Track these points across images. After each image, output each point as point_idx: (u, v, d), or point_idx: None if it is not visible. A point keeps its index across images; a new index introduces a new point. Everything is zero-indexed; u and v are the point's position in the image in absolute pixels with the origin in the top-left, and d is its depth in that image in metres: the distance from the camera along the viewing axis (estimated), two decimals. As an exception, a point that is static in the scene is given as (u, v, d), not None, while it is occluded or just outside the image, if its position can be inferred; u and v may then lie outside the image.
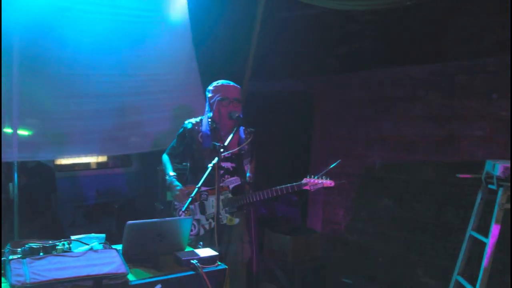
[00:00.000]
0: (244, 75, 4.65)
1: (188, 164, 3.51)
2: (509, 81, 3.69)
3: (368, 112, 4.79)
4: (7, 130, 3.63)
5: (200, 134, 3.36)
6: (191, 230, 3.31)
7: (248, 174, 3.50)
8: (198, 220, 3.34)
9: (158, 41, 4.35)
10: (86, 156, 6.14)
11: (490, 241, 3.21)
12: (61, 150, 4.06)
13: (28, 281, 1.96)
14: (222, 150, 2.80)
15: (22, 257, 2.18)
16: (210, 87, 3.41)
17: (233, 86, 3.37)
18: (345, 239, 5.02)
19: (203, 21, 4.84)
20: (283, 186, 3.19)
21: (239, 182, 3.36)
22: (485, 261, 3.21)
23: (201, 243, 2.75)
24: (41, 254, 2.28)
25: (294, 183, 3.18)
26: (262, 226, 5.12)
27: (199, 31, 4.74)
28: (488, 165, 3.40)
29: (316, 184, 3.17)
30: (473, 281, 3.29)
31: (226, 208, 3.33)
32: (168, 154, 3.58)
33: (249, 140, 3.33)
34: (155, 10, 4.33)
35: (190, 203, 3.22)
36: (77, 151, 4.35)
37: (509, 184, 3.14)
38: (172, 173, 3.44)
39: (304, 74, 5.48)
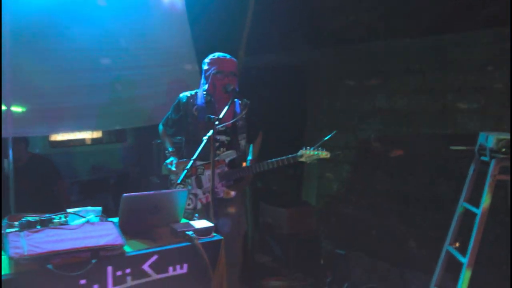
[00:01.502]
0: (239, 49, 4.62)
1: (184, 138, 3.53)
2: (506, 54, 3.69)
3: (362, 86, 4.78)
4: (1, 106, 3.62)
5: (195, 107, 3.35)
6: (188, 204, 3.34)
7: (249, 158, 3.51)
8: (195, 194, 3.37)
9: (152, 14, 4.32)
10: (80, 131, 6.15)
11: (481, 212, 3.26)
12: (56, 126, 4.05)
13: (26, 253, 1.98)
14: (216, 122, 2.80)
15: (20, 230, 2.20)
16: (206, 60, 3.39)
17: (229, 59, 3.35)
18: (339, 211, 5.08)
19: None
20: (279, 158, 3.21)
21: (235, 156, 3.38)
22: (475, 232, 3.26)
23: (196, 215, 2.79)
24: (38, 227, 2.30)
25: (290, 155, 3.20)
26: (257, 199, 5.17)
27: (194, 4, 4.69)
28: (481, 137, 3.42)
29: (311, 155, 3.18)
30: (464, 252, 3.35)
31: (223, 182, 3.35)
32: (163, 125, 3.62)
33: (244, 112, 3.32)
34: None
35: (186, 176, 3.26)
36: (72, 127, 4.35)
37: (501, 155, 3.17)
38: (170, 151, 3.48)
39: (299, 47, 5.45)
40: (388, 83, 4.55)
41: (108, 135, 6.66)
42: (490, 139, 3.22)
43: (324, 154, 3.18)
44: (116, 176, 5.99)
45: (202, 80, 3.42)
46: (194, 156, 2.81)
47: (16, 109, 3.71)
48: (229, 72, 3.28)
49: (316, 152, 3.17)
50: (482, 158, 3.40)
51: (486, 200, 3.24)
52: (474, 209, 3.39)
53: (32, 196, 4.33)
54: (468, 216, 3.58)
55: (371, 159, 4.74)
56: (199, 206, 3.35)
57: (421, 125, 4.29)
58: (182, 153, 3.50)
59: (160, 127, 3.68)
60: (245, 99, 3.44)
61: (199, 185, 3.37)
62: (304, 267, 4.79)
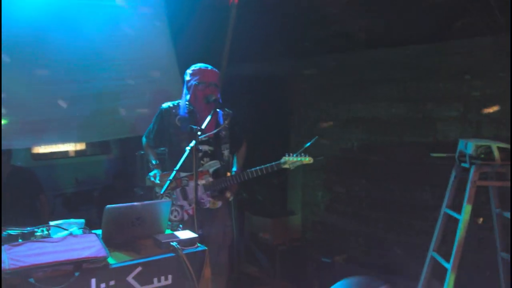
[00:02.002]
0: (221, 59, 4.64)
1: (167, 149, 3.52)
2: (483, 63, 3.78)
3: (345, 95, 4.84)
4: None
5: (178, 117, 3.35)
6: (175, 216, 3.33)
7: (234, 168, 3.51)
8: (181, 206, 3.35)
9: (133, 25, 4.30)
10: (63, 143, 6.09)
11: (464, 218, 3.30)
12: (38, 138, 4.01)
13: (7, 267, 1.96)
14: (199, 133, 2.80)
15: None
16: (188, 71, 3.40)
17: (210, 70, 3.36)
18: (324, 220, 5.10)
19: (179, 5, 4.79)
20: (263, 166, 3.22)
21: (218, 166, 3.38)
22: (458, 237, 3.30)
23: (180, 225, 2.77)
24: (20, 240, 2.28)
25: (273, 163, 3.22)
26: (242, 209, 5.16)
27: (175, 15, 4.70)
28: (461, 144, 3.48)
29: (294, 162, 3.21)
30: (447, 257, 3.39)
31: (208, 192, 3.35)
32: (146, 137, 3.60)
33: (226, 122, 3.33)
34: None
35: (170, 187, 3.25)
36: (55, 139, 4.31)
37: (480, 162, 3.23)
38: (154, 164, 3.46)
39: (281, 56, 5.49)
40: (369, 92, 4.60)
41: (91, 147, 6.61)
42: (470, 146, 3.28)
43: (307, 159, 3.21)
44: (100, 188, 5.93)
45: (184, 91, 3.43)
46: (177, 167, 2.80)
47: (-1, 121, 3.67)
48: (210, 83, 3.29)
49: (299, 158, 3.20)
50: (463, 164, 3.46)
51: (467, 206, 3.29)
52: (456, 215, 3.43)
53: (13, 209, 4.26)
54: (451, 222, 3.63)
55: (355, 168, 4.78)
56: (186, 217, 3.33)
57: (402, 133, 4.35)
58: (166, 165, 3.49)
59: (143, 139, 3.65)
60: (227, 109, 3.45)
61: (185, 196, 3.36)
62: (290, 276, 4.79)
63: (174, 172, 2.79)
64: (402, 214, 4.38)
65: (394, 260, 4.43)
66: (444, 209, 3.67)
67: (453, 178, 3.64)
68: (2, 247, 2.13)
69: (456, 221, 3.40)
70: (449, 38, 3.99)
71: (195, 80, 3.30)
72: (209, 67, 3.37)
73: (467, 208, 3.29)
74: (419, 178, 4.24)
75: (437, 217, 3.79)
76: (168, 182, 2.75)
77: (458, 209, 3.39)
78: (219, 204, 3.39)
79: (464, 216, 3.29)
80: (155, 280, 2.31)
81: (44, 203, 4.70)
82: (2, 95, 3.64)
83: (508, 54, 3.57)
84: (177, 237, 2.51)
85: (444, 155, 3.66)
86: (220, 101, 3.32)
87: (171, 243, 2.41)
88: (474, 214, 3.32)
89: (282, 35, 5.25)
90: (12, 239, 2.26)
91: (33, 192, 4.61)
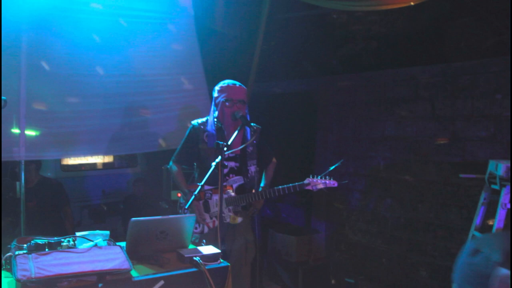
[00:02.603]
0: (249, 76, 4.68)
1: (195, 163, 3.54)
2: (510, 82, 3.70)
3: (372, 113, 4.80)
4: (15, 130, 3.68)
5: (206, 133, 3.38)
6: (195, 228, 3.34)
7: (262, 184, 3.51)
8: (200, 214, 3.36)
9: (164, 41, 4.40)
10: (92, 156, 6.21)
11: (493, 241, 3.20)
12: (68, 150, 4.09)
13: (33, 276, 2.00)
14: (225, 149, 2.82)
15: (28, 253, 2.22)
16: (217, 87, 3.43)
17: (238, 87, 3.38)
18: (349, 239, 5.03)
19: (208, 22, 4.87)
20: (286, 186, 3.20)
21: (242, 182, 3.38)
22: (488, 261, 3.20)
23: (204, 240, 2.78)
24: (47, 250, 2.32)
25: (297, 183, 3.19)
26: (266, 226, 5.14)
27: (205, 32, 4.78)
28: (491, 165, 3.40)
29: (318, 184, 3.16)
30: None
31: (230, 207, 3.35)
32: (176, 162, 3.51)
33: (253, 138, 3.35)
34: (160, 11, 4.38)
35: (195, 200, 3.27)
36: (84, 151, 4.39)
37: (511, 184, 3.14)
38: (188, 193, 3.36)
39: (308, 75, 5.51)
40: (397, 111, 4.56)
41: (119, 160, 6.72)
42: (500, 167, 3.20)
43: (332, 183, 3.16)
44: (126, 201, 6.01)
45: (212, 107, 3.46)
46: (202, 182, 2.83)
47: (30, 132, 3.77)
48: (238, 100, 3.31)
49: (323, 181, 3.16)
50: (493, 186, 3.37)
51: (497, 229, 3.20)
52: (485, 238, 3.33)
53: (38, 218, 4.37)
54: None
55: (380, 187, 4.71)
56: (206, 230, 3.35)
57: (430, 153, 4.28)
58: (194, 177, 3.51)
59: (173, 167, 3.52)
60: (255, 124, 3.47)
61: (206, 209, 3.37)
62: (313, 295, 4.73)
63: (198, 188, 2.82)
64: (429, 235, 4.29)
65: (419, 282, 4.33)
66: (473, 231, 3.58)
67: (483, 200, 3.55)
68: (30, 256, 2.17)
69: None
70: (480, 57, 3.93)
71: (222, 97, 3.33)
72: (237, 83, 3.39)
73: (497, 231, 3.19)
74: (446, 198, 4.16)
75: (463, 239, 3.69)
76: (193, 197, 2.77)
77: (488, 232, 3.30)
78: (239, 220, 3.39)
79: (494, 239, 3.20)
80: (177, 294, 2.32)
81: (68, 215, 4.78)
82: (35, 107, 3.75)
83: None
84: (200, 252, 2.51)
85: (474, 176, 3.58)
86: (248, 117, 3.34)
87: (194, 258, 2.42)
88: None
89: (309, 53, 5.27)
90: (39, 248, 2.30)
91: (59, 204, 4.70)
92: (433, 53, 4.20)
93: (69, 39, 3.86)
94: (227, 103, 3.31)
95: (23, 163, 3.90)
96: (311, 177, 3.17)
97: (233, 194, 3.35)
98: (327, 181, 3.16)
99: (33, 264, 2.09)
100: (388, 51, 4.55)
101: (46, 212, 4.54)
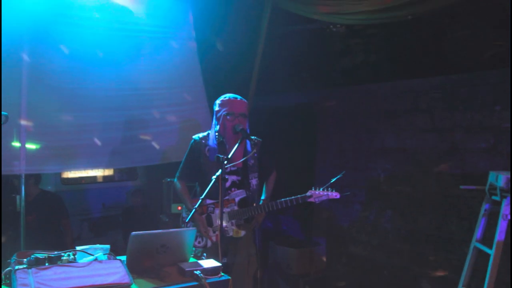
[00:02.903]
0: (249, 89, 4.70)
1: (198, 179, 3.53)
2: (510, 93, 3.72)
3: (372, 125, 4.82)
4: (15, 144, 3.69)
5: (207, 148, 3.38)
6: (199, 242, 3.33)
7: (262, 197, 3.51)
8: (204, 228, 3.36)
9: (164, 55, 4.43)
10: (93, 169, 6.20)
11: (495, 253, 3.20)
12: (68, 163, 4.09)
13: (33, 291, 1.99)
14: (225, 162, 2.83)
15: (28, 267, 2.21)
16: (218, 101, 3.44)
17: (240, 100, 3.38)
18: (349, 251, 5.01)
19: (208, 36, 4.91)
20: (288, 198, 3.20)
21: (245, 195, 3.38)
22: (489, 273, 3.19)
23: (205, 254, 2.77)
24: (47, 264, 2.31)
25: (299, 196, 3.18)
26: (267, 239, 5.12)
27: (205, 46, 4.81)
28: (491, 177, 3.40)
29: (321, 196, 3.14)
30: (478, 293, 3.28)
31: (233, 221, 3.35)
32: (180, 178, 3.49)
33: (254, 151, 3.35)
34: (162, 25, 4.42)
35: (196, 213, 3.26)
36: (84, 165, 4.38)
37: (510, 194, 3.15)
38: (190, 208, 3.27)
39: (308, 87, 5.54)
40: (397, 122, 4.57)
41: (119, 173, 6.72)
42: (501, 178, 3.20)
43: (334, 194, 3.14)
44: (126, 214, 6.00)
45: (214, 121, 3.46)
46: (202, 196, 2.84)
47: (30, 146, 3.77)
48: (239, 114, 3.32)
49: (325, 193, 3.16)
50: (493, 197, 3.37)
51: (499, 240, 3.19)
52: (487, 250, 3.33)
53: (38, 232, 4.36)
54: (482, 257, 3.52)
55: (381, 198, 4.71)
56: (209, 244, 3.34)
57: (430, 164, 4.28)
58: (196, 191, 3.50)
59: (177, 184, 3.50)
60: (256, 138, 3.47)
61: (209, 223, 3.37)
62: (314, 308, 4.70)
63: (199, 201, 2.81)
64: (430, 247, 4.27)
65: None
66: (474, 243, 3.57)
67: (484, 211, 3.55)
68: (30, 270, 2.17)
69: (486, 255, 3.30)
70: (479, 69, 3.96)
71: (224, 111, 3.34)
72: (238, 97, 3.40)
73: (498, 243, 3.19)
74: (446, 210, 4.15)
75: (465, 251, 3.68)
76: (194, 210, 2.77)
77: (489, 243, 3.29)
78: (242, 233, 3.37)
79: (495, 250, 3.19)
80: (178, 308, 2.31)
81: (68, 228, 4.76)
82: (35, 121, 3.76)
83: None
84: (200, 265, 2.51)
85: (475, 187, 3.58)
86: (248, 131, 3.35)
87: (195, 272, 2.41)
88: (506, 249, 3.21)
89: (309, 66, 5.30)
90: (39, 262, 2.30)
91: (58, 217, 4.69)
92: (432, 66, 4.23)
93: (70, 52, 3.88)
94: (228, 117, 3.31)
95: (23, 177, 3.90)
96: (313, 189, 3.16)
97: (236, 207, 3.35)
98: (329, 193, 3.14)
99: (33, 279, 2.08)
100: (387, 64, 4.58)
101: (46, 226, 4.53)
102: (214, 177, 2.81)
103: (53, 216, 4.63)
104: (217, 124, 3.40)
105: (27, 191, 4.37)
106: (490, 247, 3.25)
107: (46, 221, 4.55)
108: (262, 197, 3.50)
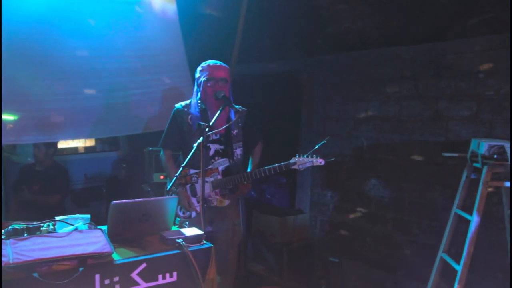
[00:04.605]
0: (232, 57, 4.62)
1: (182, 149, 3.49)
2: (498, 61, 3.71)
3: (356, 93, 4.79)
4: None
5: (190, 116, 3.33)
6: (183, 213, 3.32)
7: (248, 169, 3.47)
8: (189, 203, 3.34)
9: (144, 22, 4.30)
10: (74, 139, 6.12)
11: (475, 219, 3.25)
12: (47, 134, 4.00)
13: (11, 261, 1.96)
14: (207, 129, 2.78)
15: (6, 238, 2.18)
16: (198, 68, 3.38)
17: (219, 65, 3.32)
18: (333, 219, 5.06)
19: (190, 3, 4.79)
20: (272, 166, 3.17)
21: (228, 164, 3.35)
22: (469, 239, 3.25)
23: (187, 222, 2.76)
24: (25, 235, 2.28)
25: (283, 163, 3.15)
26: (250, 208, 5.14)
27: (187, 13, 4.69)
28: (473, 144, 3.42)
29: (305, 163, 3.09)
30: (457, 259, 3.34)
31: (217, 190, 3.33)
32: (164, 146, 3.45)
33: (236, 118, 3.29)
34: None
35: (180, 184, 3.24)
36: (65, 135, 4.31)
37: (492, 162, 3.17)
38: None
39: (292, 55, 5.46)
40: (380, 90, 4.55)
41: (101, 144, 6.64)
42: (482, 146, 3.22)
43: (319, 161, 3.10)
44: (108, 185, 5.95)
45: (195, 88, 3.41)
46: (184, 163, 2.80)
47: (8, 117, 3.68)
48: (219, 78, 3.26)
49: (309, 160, 3.13)
50: (475, 164, 3.40)
51: (479, 206, 3.24)
52: (467, 216, 3.38)
53: (36, 202, 4.37)
54: (462, 223, 3.58)
55: (364, 166, 4.73)
56: (194, 214, 3.32)
57: (413, 132, 4.29)
58: (180, 161, 3.46)
59: (162, 154, 3.46)
60: (242, 107, 3.42)
61: (193, 193, 3.34)
62: (297, 275, 4.76)
63: (180, 169, 2.78)
64: (412, 214, 4.33)
65: (403, 260, 4.38)
66: (455, 209, 3.62)
67: (465, 178, 3.59)
68: (8, 241, 2.13)
69: (467, 222, 3.35)
70: (463, 36, 3.93)
71: (204, 76, 3.28)
72: (218, 63, 3.34)
73: (478, 209, 3.23)
74: (429, 177, 4.19)
75: (447, 218, 3.74)
76: (174, 179, 2.73)
77: (470, 210, 3.34)
78: (226, 202, 3.36)
79: (475, 217, 3.24)
80: (160, 277, 2.31)
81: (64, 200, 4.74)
82: (13, 91, 3.65)
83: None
84: (183, 234, 2.50)
85: (456, 154, 3.61)
86: (231, 98, 3.29)
87: (177, 240, 2.40)
88: (485, 215, 3.26)
89: (294, 33, 5.22)
90: (18, 233, 2.26)
91: (61, 189, 4.65)
92: (418, 33, 4.18)
93: (47, 22, 3.74)
94: (208, 83, 3.26)
95: (1, 148, 3.82)
96: (297, 156, 3.12)
97: (219, 176, 3.33)
98: (314, 160, 3.10)
99: (11, 249, 2.05)
100: (373, 31, 4.52)
101: (48, 197, 4.50)
102: (195, 144, 2.77)
103: (56, 189, 4.58)
104: (199, 91, 3.35)
105: (40, 160, 4.48)
106: (470, 213, 3.30)
107: (49, 193, 4.52)
108: (248, 170, 3.47)
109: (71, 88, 3.98)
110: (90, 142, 6.53)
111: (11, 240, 2.14)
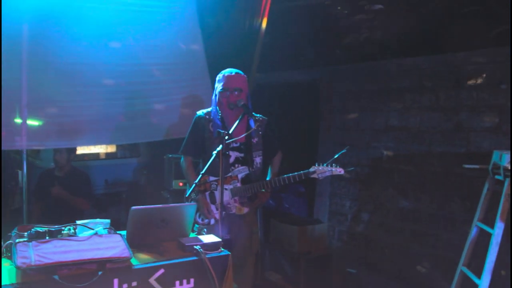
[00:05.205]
0: (252, 67, 4.65)
1: (202, 156, 3.51)
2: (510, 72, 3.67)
3: (375, 103, 4.77)
4: (17, 120, 3.68)
5: (211, 123, 3.37)
6: (202, 220, 3.34)
7: (268, 178, 3.48)
8: (208, 210, 3.36)
9: (166, 31, 4.37)
10: (96, 145, 6.22)
11: (496, 232, 3.19)
12: (70, 139, 4.08)
13: (33, 263, 2.00)
14: (226, 137, 2.81)
15: (28, 240, 2.22)
16: (217, 77, 3.43)
17: (235, 75, 3.34)
18: (351, 229, 5.03)
19: (210, 12, 4.84)
20: (291, 174, 3.18)
21: (248, 172, 3.37)
22: (491, 252, 3.19)
23: (205, 229, 2.78)
24: (47, 237, 2.32)
25: (302, 171, 3.15)
26: (268, 217, 5.14)
27: (207, 22, 4.75)
28: (495, 156, 3.37)
29: (324, 172, 3.10)
30: (478, 273, 3.28)
31: (236, 198, 3.34)
32: (184, 153, 3.47)
33: (256, 126, 3.31)
34: (163, 0, 4.35)
35: (200, 191, 3.27)
36: (87, 141, 4.40)
37: (515, 174, 3.12)
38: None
39: (312, 64, 5.47)
40: (401, 101, 4.52)
41: (121, 150, 6.73)
42: (504, 158, 3.17)
43: (338, 170, 3.10)
44: (129, 191, 6.01)
45: (213, 98, 3.45)
46: (203, 171, 2.83)
47: (32, 122, 3.77)
48: (234, 88, 3.28)
49: (329, 168, 3.12)
50: (496, 177, 3.35)
51: (501, 219, 3.18)
52: (488, 229, 3.32)
53: (62, 207, 4.37)
54: (483, 237, 3.52)
55: (383, 177, 4.69)
56: (212, 221, 3.34)
57: (434, 143, 4.25)
58: (198, 169, 3.49)
59: (183, 160, 3.49)
60: (262, 116, 3.45)
61: (213, 200, 3.36)
62: (314, 285, 4.72)
63: (200, 176, 2.80)
64: (431, 226, 4.27)
65: (421, 273, 4.32)
66: (476, 222, 3.56)
67: (486, 190, 3.53)
68: (30, 243, 2.17)
69: (487, 235, 3.29)
70: (484, 47, 3.88)
71: (220, 87, 3.32)
72: (234, 72, 3.35)
73: (500, 222, 3.18)
74: (448, 189, 4.13)
75: (466, 230, 3.68)
76: (193, 186, 2.76)
77: (491, 223, 3.28)
78: (245, 210, 3.38)
79: (497, 230, 3.18)
80: (177, 283, 2.32)
81: (85, 208, 4.74)
82: (37, 97, 3.74)
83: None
84: (201, 240, 2.51)
85: (478, 166, 3.56)
86: (250, 106, 3.32)
87: (195, 247, 2.42)
88: (508, 229, 3.20)
89: (313, 43, 5.23)
90: (40, 236, 2.31)
91: (84, 195, 4.63)
92: (438, 43, 4.16)
93: (70, 29, 3.83)
94: (223, 93, 3.30)
95: (25, 152, 3.91)
96: (316, 165, 3.13)
97: (238, 184, 3.34)
98: (333, 169, 3.10)
99: (33, 251, 2.09)
100: (392, 41, 4.51)
101: (68, 203, 4.48)
102: (215, 152, 2.79)
103: (81, 194, 4.58)
104: (216, 101, 3.39)
105: (60, 165, 4.47)
106: (492, 227, 3.24)
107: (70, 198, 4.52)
108: (268, 178, 3.48)
109: (93, 95, 4.08)
110: (111, 149, 6.63)
111: (34, 243, 2.18)
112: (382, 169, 4.70)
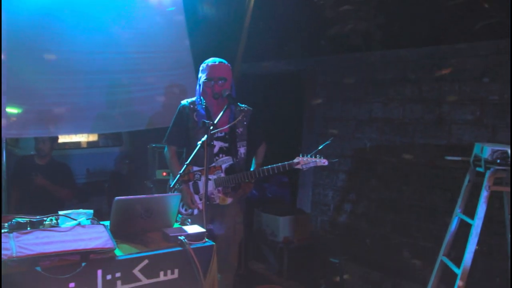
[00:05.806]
0: (236, 56, 4.62)
1: (186, 145, 3.49)
2: (502, 66, 3.70)
3: (359, 94, 4.79)
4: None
5: (195, 113, 3.35)
6: (185, 210, 3.33)
7: (252, 168, 3.47)
8: (192, 200, 3.35)
9: (150, 20, 4.31)
10: (76, 134, 6.12)
11: (476, 223, 3.25)
12: (50, 128, 4.00)
13: (14, 255, 1.97)
14: (211, 127, 2.79)
15: (9, 232, 2.18)
16: (200, 67, 3.40)
17: (218, 64, 3.31)
18: (334, 220, 5.07)
19: (195, 0, 4.79)
20: (275, 165, 3.18)
21: (232, 162, 3.36)
22: (470, 243, 3.25)
23: (189, 220, 2.77)
24: (28, 228, 2.29)
25: (286, 162, 3.15)
26: (252, 206, 5.15)
27: (192, 11, 4.69)
28: (476, 148, 3.42)
29: (308, 162, 3.10)
30: (458, 262, 3.34)
31: (219, 188, 3.34)
32: (169, 142, 3.45)
33: (241, 116, 3.32)
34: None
35: (184, 181, 3.25)
36: (68, 129, 4.31)
37: (495, 167, 3.17)
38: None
39: (296, 55, 5.46)
40: (384, 92, 4.55)
41: (104, 139, 6.65)
42: (486, 150, 3.22)
43: (322, 161, 3.10)
44: (111, 180, 5.95)
45: (197, 87, 3.43)
46: (187, 161, 2.80)
47: (11, 110, 3.68)
48: (218, 78, 3.26)
49: (313, 159, 3.13)
50: (477, 169, 3.40)
51: (480, 211, 3.24)
52: (469, 220, 3.38)
53: (41, 197, 4.32)
54: (463, 227, 3.58)
55: (366, 168, 4.73)
56: (196, 212, 3.33)
57: (416, 135, 4.29)
58: (184, 158, 3.47)
59: (166, 150, 3.47)
60: (247, 106, 3.44)
61: (196, 190, 3.36)
62: (297, 275, 4.77)
63: (184, 166, 2.78)
64: (412, 217, 4.33)
65: (402, 263, 4.39)
66: (457, 213, 3.62)
67: (467, 182, 3.58)
68: (11, 235, 2.13)
69: (467, 226, 3.35)
70: (467, 40, 3.92)
71: (203, 76, 3.30)
72: (217, 61, 3.33)
73: (480, 213, 3.23)
74: (430, 180, 4.19)
75: (446, 221, 3.74)
76: (178, 176, 2.74)
77: (471, 214, 3.34)
78: (228, 200, 3.37)
79: (477, 221, 3.24)
80: (161, 273, 2.31)
81: (69, 198, 4.69)
82: (16, 85, 3.65)
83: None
84: (185, 231, 2.50)
85: (459, 158, 3.61)
86: (234, 95, 3.30)
87: (179, 237, 2.41)
88: (487, 220, 3.26)
89: (297, 34, 5.22)
90: (21, 227, 2.27)
91: (65, 185, 4.59)
92: (422, 35, 4.18)
93: (51, 16, 3.75)
94: (207, 82, 3.28)
95: (4, 141, 3.83)
96: (301, 156, 3.13)
97: (222, 174, 3.33)
98: (318, 160, 3.11)
99: (15, 243, 2.06)
100: (376, 33, 4.52)
101: (49, 193, 4.45)
102: (199, 142, 2.77)
103: (61, 184, 4.53)
104: (200, 90, 3.37)
105: (43, 154, 4.44)
106: (472, 217, 3.30)
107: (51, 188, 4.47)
108: (252, 169, 3.47)
109: (74, 83, 4.00)
110: (93, 137, 6.55)
111: (15, 234, 2.14)
112: (365, 160, 4.73)
